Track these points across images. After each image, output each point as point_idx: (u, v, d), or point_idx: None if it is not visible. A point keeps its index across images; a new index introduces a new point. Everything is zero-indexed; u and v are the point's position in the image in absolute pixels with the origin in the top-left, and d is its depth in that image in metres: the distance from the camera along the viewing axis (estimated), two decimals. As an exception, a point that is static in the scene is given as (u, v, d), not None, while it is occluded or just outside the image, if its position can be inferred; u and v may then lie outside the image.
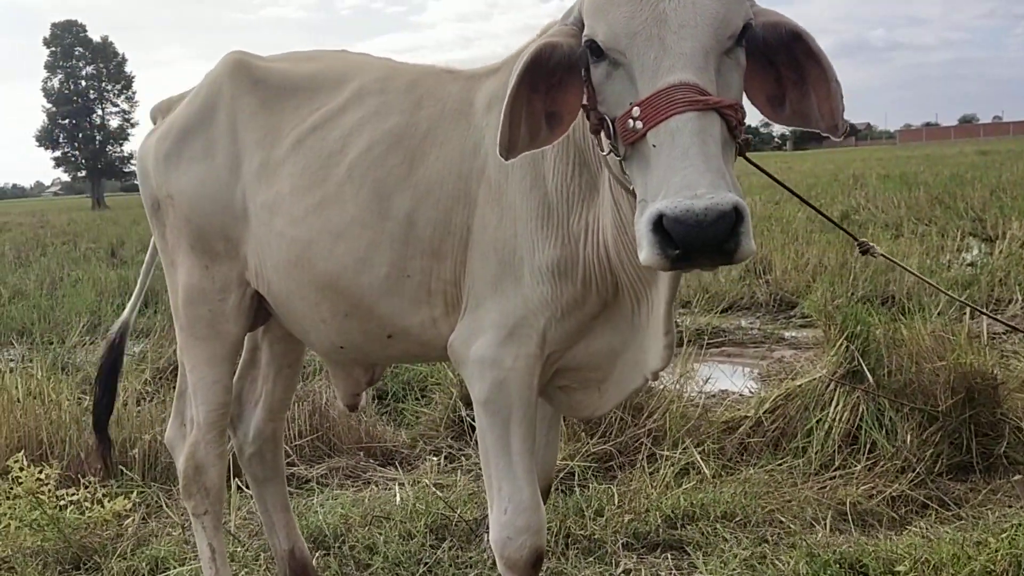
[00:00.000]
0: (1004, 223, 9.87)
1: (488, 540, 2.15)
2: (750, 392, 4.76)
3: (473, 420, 4.24)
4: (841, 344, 4.07)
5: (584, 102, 1.66)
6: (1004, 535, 2.70)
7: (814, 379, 4.09)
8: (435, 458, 4.16)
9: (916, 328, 4.16)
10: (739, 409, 4.20)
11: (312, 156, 2.21)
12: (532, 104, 1.67)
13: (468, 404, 4.42)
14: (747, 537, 3.08)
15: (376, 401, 4.96)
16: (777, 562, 2.87)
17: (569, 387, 2.17)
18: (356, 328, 2.25)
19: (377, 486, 3.91)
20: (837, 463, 3.68)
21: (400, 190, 2.09)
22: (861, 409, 3.86)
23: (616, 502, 3.36)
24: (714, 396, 4.63)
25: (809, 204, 2.58)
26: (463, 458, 4.14)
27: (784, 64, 1.67)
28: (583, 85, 1.65)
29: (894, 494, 3.42)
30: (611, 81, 1.57)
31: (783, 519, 3.22)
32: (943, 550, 2.66)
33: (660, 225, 1.37)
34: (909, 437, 3.68)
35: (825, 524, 3.16)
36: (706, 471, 3.60)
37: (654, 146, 1.45)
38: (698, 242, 1.35)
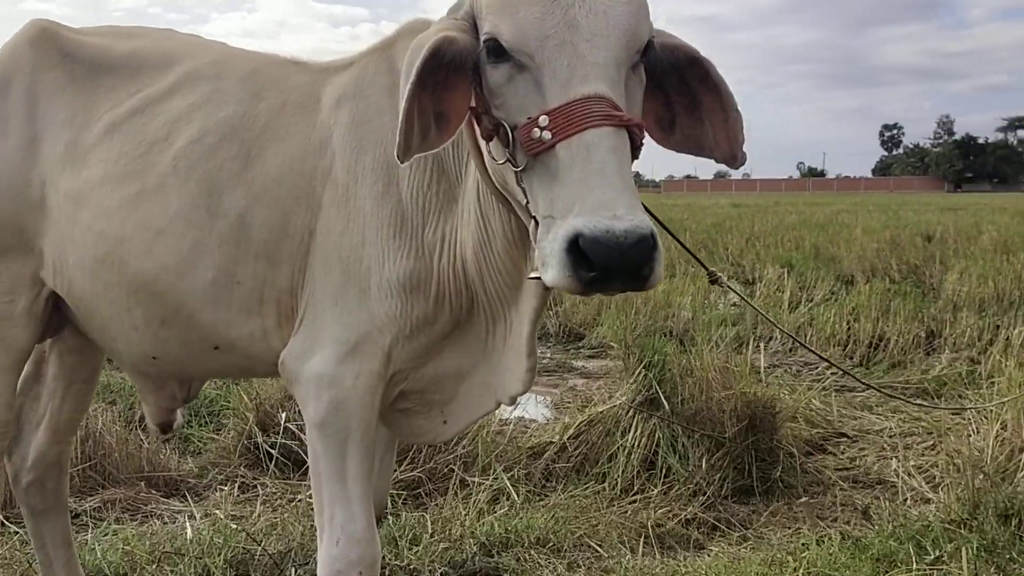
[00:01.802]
0: (760, 267, 10.91)
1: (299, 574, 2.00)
2: (546, 419, 4.87)
3: (271, 447, 4.10)
4: (640, 372, 4.28)
5: (472, 104, 1.55)
6: (803, 555, 2.92)
7: (614, 406, 4.25)
8: (227, 488, 3.86)
9: (704, 359, 4.45)
10: (544, 435, 4.27)
11: (130, 143, 1.98)
12: (421, 102, 1.52)
13: (264, 430, 4.17)
14: (561, 562, 3.11)
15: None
16: (592, 587, 2.92)
17: (411, 410, 2.04)
18: (174, 338, 2.03)
19: (162, 519, 3.55)
20: (636, 487, 3.83)
21: (232, 186, 1.90)
22: (657, 435, 4.05)
23: (430, 530, 3.28)
24: (517, 423, 4.68)
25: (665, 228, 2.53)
26: (259, 487, 3.87)
27: (675, 89, 1.63)
28: (471, 86, 1.54)
29: (688, 516, 3.60)
30: (513, 85, 1.47)
31: (592, 543, 3.29)
32: (750, 571, 2.82)
33: (575, 245, 1.29)
34: (701, 462, 3.91)
35: (632, 547, 3.26)
36: (516, 497, 3.62)
37: (565, 159, 1.36)
38: (617, 265, 1.28)
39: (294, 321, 1.93)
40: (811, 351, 3.93)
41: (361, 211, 1.84)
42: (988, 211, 25.30)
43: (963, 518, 3.26)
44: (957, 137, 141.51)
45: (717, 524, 3.60)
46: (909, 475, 4.01)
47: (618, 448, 4.01)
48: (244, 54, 2.14)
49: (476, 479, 3.74)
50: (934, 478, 3.97)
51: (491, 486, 3.65)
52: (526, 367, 1.82)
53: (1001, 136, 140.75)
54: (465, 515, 3.40)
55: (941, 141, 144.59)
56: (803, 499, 3.84)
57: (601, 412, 4.21)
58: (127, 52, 2.12)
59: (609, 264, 1.28)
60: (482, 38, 1.50)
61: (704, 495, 3.77)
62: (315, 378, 1.86)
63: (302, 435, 3.88)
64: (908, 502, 3.76)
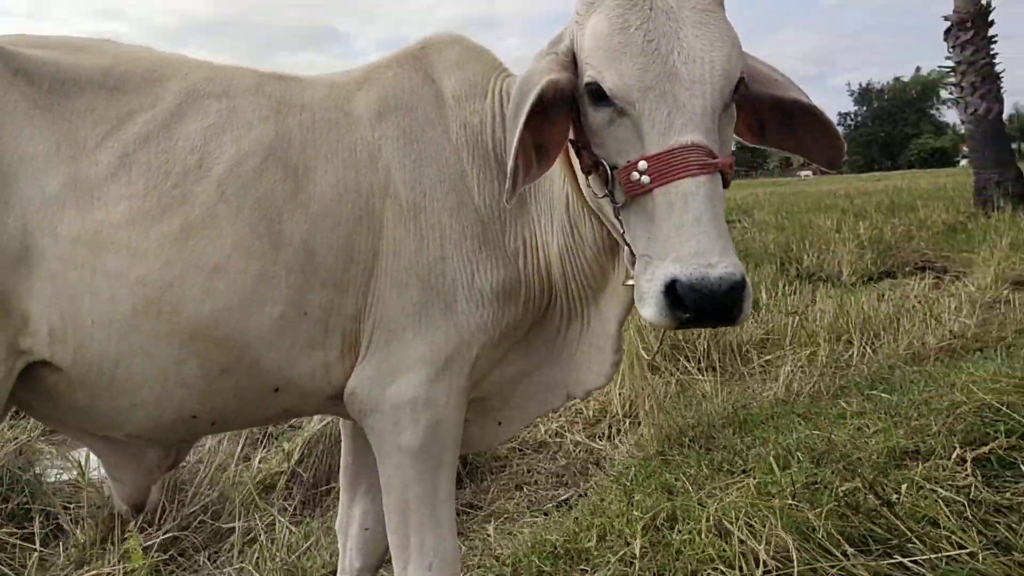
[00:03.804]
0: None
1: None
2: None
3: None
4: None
5: (571, 137, 1.63)
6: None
7: (328, 422, 4.34)
8: None
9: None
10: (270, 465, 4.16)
11: (155, 173, 1.73)
12: (523, 139, 1.57)
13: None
14: None
15: None
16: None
17: (467, 420, 2.00)
18: (231, 387, 1.79)
19: None
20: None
21: (290, 211, 1.76)
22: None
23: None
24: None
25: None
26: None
27: (766, 107, 1.71)
28: (570, 120, 1.62)
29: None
30: (614, 128, 1.54)
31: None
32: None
33: (672, 289, 1.41)
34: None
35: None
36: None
37: (663, 205, 1.46)
38: (710, 309, 1.39)
39: (356, 350, 1.85)
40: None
41: (436, 226, 1.82)
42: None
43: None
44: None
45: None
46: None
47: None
48: (232, 69, 1.93)
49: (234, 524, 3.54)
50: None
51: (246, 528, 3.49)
52: (612, 361, 1.95)
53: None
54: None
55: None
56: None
57: (318, 430, 4.25)
58: (96, 69, 1.79)
59: (703, 308, 1.40)
60: (584, 81, 1.57)
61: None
62: (408, 402, 1.82)
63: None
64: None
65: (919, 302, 7.15)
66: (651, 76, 1.48)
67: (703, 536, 2.88)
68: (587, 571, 2.81)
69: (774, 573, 2.62)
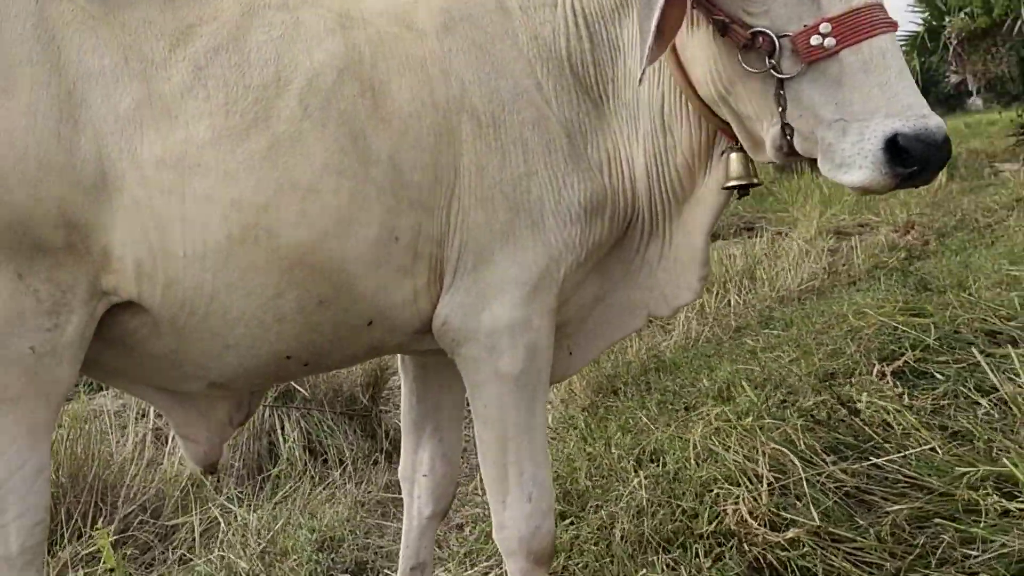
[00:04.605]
0: None
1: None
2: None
3: None
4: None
5: (711, 18, 1.58)
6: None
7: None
8: None
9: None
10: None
11: (233, 88, 1.56)
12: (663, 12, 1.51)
13: None
14: None
15: None
16: None
17: None
18: (328, 320, 1.65)
19: None
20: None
21: (373, 127, 1.63)
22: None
23: None
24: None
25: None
26: None
27: None
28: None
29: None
30: None
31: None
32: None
33: (892, 144, 1.42)
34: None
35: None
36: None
37: (856, 64, 1.45)
38: (935, 159, 1.42)
39: (442, 277, 1.74)
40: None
41: (519, 140, 1.72)
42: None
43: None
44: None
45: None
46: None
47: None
48: None
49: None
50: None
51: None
52: (700, 275, 1.89)
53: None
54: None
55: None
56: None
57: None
58: None
59: (928, 158, 1.42)
60: None
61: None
62: (506, 327, 1.73)
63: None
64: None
65: (765, 255, 7.72)
66: None
67: (695, 463, 2.98)
68: (599, 507, 2.81)
69: (775, 484, 2.75)
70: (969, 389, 3.44)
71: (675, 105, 1.79)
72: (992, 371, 3.23)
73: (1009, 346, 3.80)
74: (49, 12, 1.47)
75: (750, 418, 3.18)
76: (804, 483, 2.74)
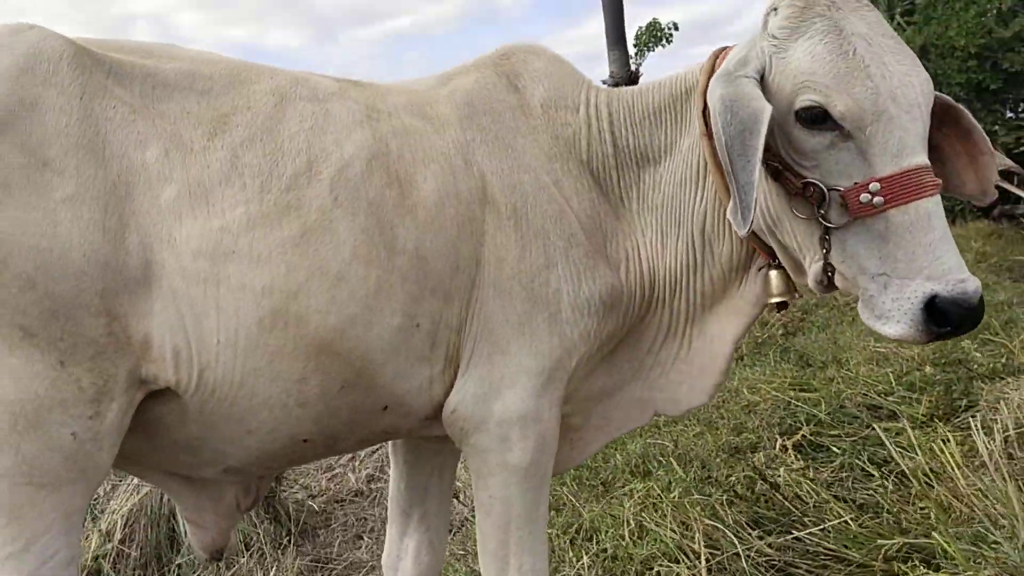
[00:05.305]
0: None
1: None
2: None
3: None
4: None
5: (771, 161, 1.63)
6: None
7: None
8: None
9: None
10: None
11: (267, 176, 1.58)
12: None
13: None
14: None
15: None
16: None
17: None
18: (347, 405, 1.65)
19: None
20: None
21: (400, 217, 1.66)
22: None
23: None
24: None
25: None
26: None
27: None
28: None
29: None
30: (835, 151, 1.57)
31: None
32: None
33: (930, 305, 1.49)
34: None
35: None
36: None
37: (902, 224, 1.52)
38: (969, 321, 1.49)
39: (456, 365, 1.75)
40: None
41: (540, 233, 1.76)
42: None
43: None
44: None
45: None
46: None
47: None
48: (308, 73, 1.79)
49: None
50: None
51: None
52: (716, 382, 1.93)
53: None
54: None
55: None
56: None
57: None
58: (181, 72, 1.62)
59: (963, 321, 1.49)
60: (800, 105, 1.58)
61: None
62: (518, 417, 1.74)
63: None
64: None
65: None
66: (881, 101, 1.53)
67: (630, 540, 3.03)
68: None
69: (711, 560, 2.84)
70: (864, 462, 3.69)
71: (717, 223, 1.84)
72: (892, 447, 3.47)
73: (890, 420, 4.13)
74: (94, 107, 1.49)
75: (674, 494, 3.27)
76: (738, 559, 2.84)
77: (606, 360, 1.96)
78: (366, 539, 4.18)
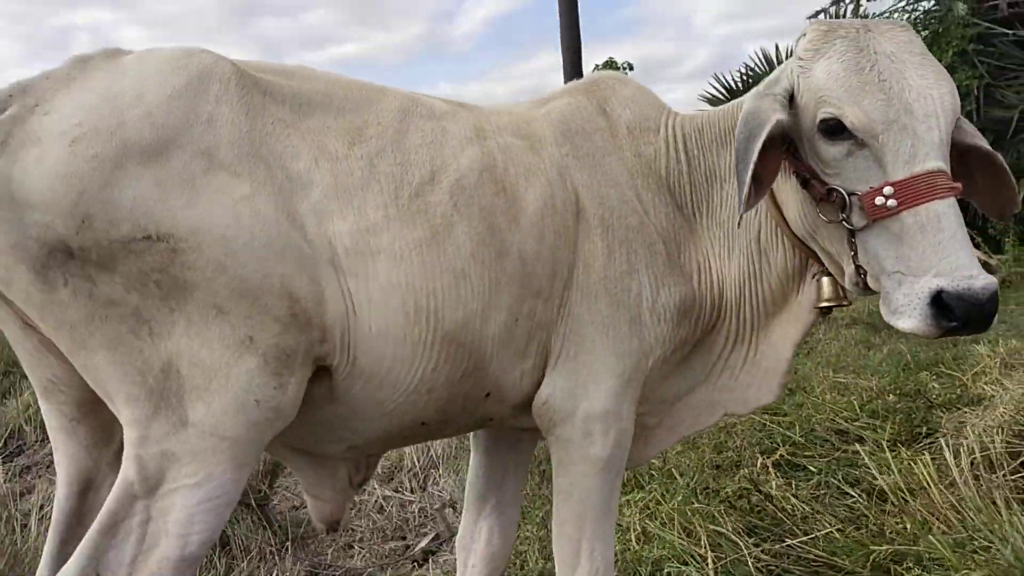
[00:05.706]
0: None
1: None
2: None
3: None
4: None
5: (793, 170, 1.81)
6: None
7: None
8: None
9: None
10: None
11: (399, 183, 1.76)
12: (754, 169, 1.73)
13: None
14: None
15: None
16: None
17: None
18: (462, 393, 1.82)
19: None
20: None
21: (507, 223, 1.84)
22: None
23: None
24: None
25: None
26: None
27: (953, 155, 1.77)
28: (782, 153, 1.81)
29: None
30: (852, 159, 1.71)
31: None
32: None
33: (937, 300, 1.57)
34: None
35: None
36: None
37: (914, 225, 1.62)
38: (977, 316, 1.55)
39: (546, 361, 1.91)
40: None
41: (624, 241, 1.93)
42: None
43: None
44: None
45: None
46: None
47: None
48: (421, 95, 1.97)
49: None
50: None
51: None
52: (781, 382, 2.10)
53: None
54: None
55: None
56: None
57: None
58: (319, 92, 1.82)
59: (970, 315, 1.56)
60: (820, 117, 1.74)
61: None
62: (601, 414, 1.90)
63: None
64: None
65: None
66: (892, 111, 1.65)
67: (636, 544, 3.20)
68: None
69: (717, 564, 3.03)
70: (839, 480, 3.94)
71: (771, 235, 2.03)
72: (871, 464, 3.72)
73: (857, 444, 4.40)
74: (256, 124, 1.66)
75: (673, 503, 3.46)
76: (739, 563, 3.04)
77: (680, 366, 2.13)
78: (356, 548, 4.27)
